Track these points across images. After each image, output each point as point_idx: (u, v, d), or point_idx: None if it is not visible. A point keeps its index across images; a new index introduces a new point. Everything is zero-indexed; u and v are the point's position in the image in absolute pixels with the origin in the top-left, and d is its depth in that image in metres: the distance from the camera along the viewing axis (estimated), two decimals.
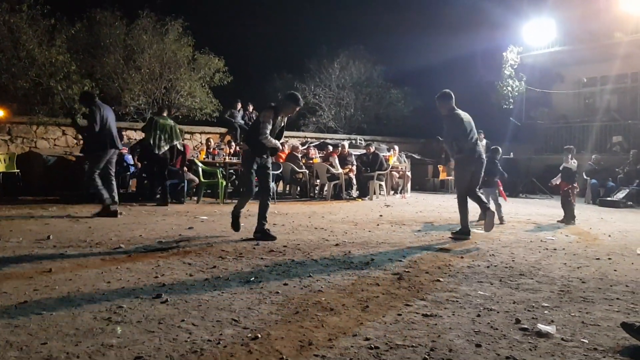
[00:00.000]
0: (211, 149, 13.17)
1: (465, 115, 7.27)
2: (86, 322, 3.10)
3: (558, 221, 9.18)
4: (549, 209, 11.45)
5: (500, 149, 9.87)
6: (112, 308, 3.38)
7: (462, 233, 7.10)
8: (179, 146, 10.39)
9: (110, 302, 3.51)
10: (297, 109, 6.71)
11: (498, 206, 8.99)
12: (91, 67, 15.69)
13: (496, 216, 8.76)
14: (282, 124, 6.68)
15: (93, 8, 16.06)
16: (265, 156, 6.56)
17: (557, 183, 9.70)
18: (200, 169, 10.97)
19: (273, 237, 6.43)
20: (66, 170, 11.25)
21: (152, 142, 10.00)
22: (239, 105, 16.78)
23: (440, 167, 17.51)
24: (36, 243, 5.64)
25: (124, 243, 5.75)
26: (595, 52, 17.21)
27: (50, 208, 8.82)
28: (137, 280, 4.16)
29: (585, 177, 14.17)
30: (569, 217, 9.10)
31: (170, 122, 10.38)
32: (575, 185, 9.38)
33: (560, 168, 9.57)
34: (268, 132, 6.32)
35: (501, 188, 9.46)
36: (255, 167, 6.51)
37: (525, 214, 10.29)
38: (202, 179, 11.01)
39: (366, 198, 13.11)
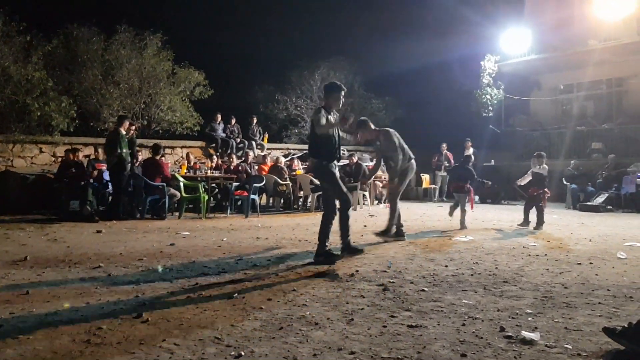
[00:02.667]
0: (192, 163, 13.09)
1: (392, 131, 7.85)
2: (64, 346, 3.02)
3: (518, 225, 9.30)
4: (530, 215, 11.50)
5: (471, 157, 10.14)
6: (91, 330, 3.31)
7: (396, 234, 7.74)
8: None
9: (89, 324, 3.43)
10: (342, 95, 6.11)
11: (463, 212, 9.24)
12: (68, 83, 15.58)
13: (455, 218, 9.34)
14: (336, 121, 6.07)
15: (70, 24, 15.98)
16: (337, 161, 6.08)
17: (522, 184, 9.81)
18: (181, 184, 10.88)
19: (360, 250, 6.09)
20: (44, 188, 11.07)
21: (122, 157, 10.01)
22: (219, 118, 16.73)
23: (424, 176, 17.59)
24: (13, 265, 5.52)
25: (103, 262, 5.66)
26: (571, 59, 17.47)
27: (28, 228, 8.67)
28: (117, 299, 4.09)
29: (565, 182, 14.32)
30: (539, 222, 9.18)
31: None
32: (547, 190, 9.49)
33: (529, 172, 9.69)
34: (325, 120, 5.79)
35: (472, 195, 9.61)
36: (338, 173, 6.04)
37: (507, 221, 10.35)
38: (184, 194, 10.91)
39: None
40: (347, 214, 6.03)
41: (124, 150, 10.11)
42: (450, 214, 9.67)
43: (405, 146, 7.79)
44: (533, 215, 9.28)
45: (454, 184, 9.78)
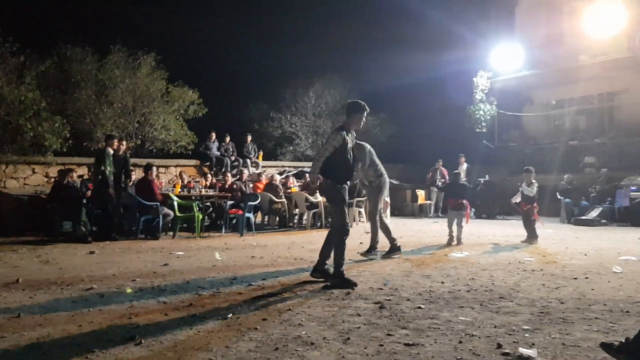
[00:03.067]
0: (186, 182, 13.05)
1: (368, 147, 7.80)
2: None
3: (521, 241, 9.28)
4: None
5: (460, 173, 10.17)
6: (83, 352, 3.26)
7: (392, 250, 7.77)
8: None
9: (81, 347, 3.39)
10: (365, 115, 5.98)
11: (460, 228, 9.24)
12: (62, 103, 15.56)
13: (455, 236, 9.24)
14: (352, 143, 6.02)
15: (63, 44, 16.00)
16: (349, 183, 5.96)
17: (517, 201, 9.83)
18: (175, 203, 10.83)
19: (353, 283, 5.48)
20: (37, 209, 11.00)
21: (105, 175, 9.98)
22: (214, 136, 16.72)
23: (419, 192, 17.60)
24: (4, 287, 5.45)
25: (96, 283, 5.60)
26: (562, 75, 17.60)
27: (20, 249, 8.59)
28: (110, 322, 4.04)
29: (558, 196, 14.34)
30: (531, 237, 9.20)
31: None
32: (535, 205, 9.53)
33: (520, 188, 9.74)
34: (326, 154, 5.70)
35: (468, 211, 9.63)
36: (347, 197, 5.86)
37: (502, 235, 10.34)
38: (178, 213, 10.86)
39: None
40: (343, 241, 5.74)
41: (108, 169, 9.98)
42: (451, 235, 9.44)
43: (378, 163, 7.75)
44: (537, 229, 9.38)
45: (451, 202, 9.76)
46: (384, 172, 7.81)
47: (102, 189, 10.06)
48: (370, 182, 7.76)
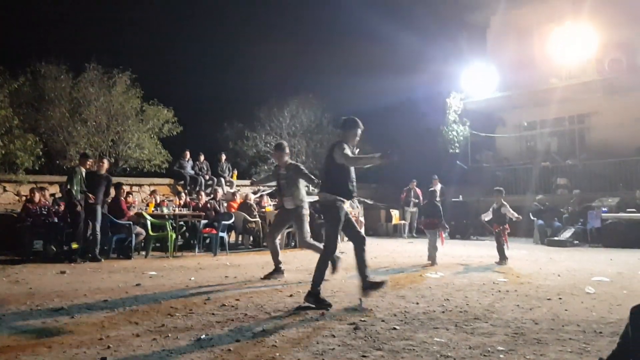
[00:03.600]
0: (159, 201, 12.92)
1: (303, 168, 7.81)
2: None
3: (495, 262, 9.36)
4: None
5: (436, 191, 10.28)
6: None
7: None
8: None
9: None
10: (359, 132, 5.95)
11: (434, 249, 9.26)
12: (35, 121, 15.37)
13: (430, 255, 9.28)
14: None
15: (37, 61, 15.83)
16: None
17: (487, 220, 9.95)
18: (148, 222, 10.69)
19: (328, 303, 5.39)
20: (7, 228, 10.76)
21: (71, 193, 9.80)
22: (188, 155, 16.63)
23: (393, 212, 17.67)
24: None
25: (66, 303, 5.48)
26: (533, 97, 17.96)
27: None
28: (80, 343, 3.94)
29: (532, 217, 14.53)
30: (502, 257, 9.31)
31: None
32: (507, 227, 9.68)
33: (491, 209, 9.88)
34: (350, 152, 5.62)
35: (442, 234, 9.74)
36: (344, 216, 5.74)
37: (476, 256, 10.41)
38: (151, 232, 10.73)
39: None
40: (326, 261, 5.68)
41: (75, 188, 9.76)
42: (430, 258, 9.46)
43: (304, 188, 7.74)
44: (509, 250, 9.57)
45: (425, 221, 9.85)
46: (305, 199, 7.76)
47: (71, 208, 9.91)
48: (291, 198, 7.59)
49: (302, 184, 7.70)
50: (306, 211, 7.64)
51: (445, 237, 10.74)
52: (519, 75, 17.86)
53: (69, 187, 9.78)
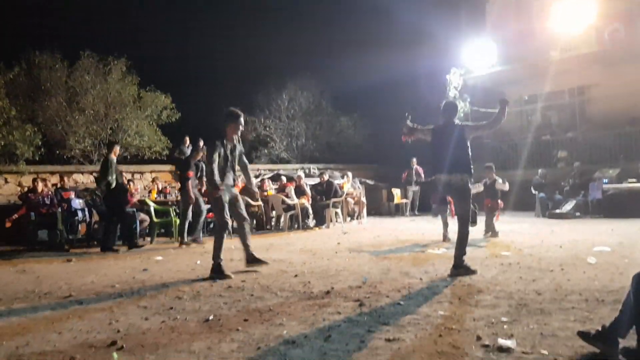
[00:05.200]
0: (162, 188, 12.96)
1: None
2: None
3: (488, 236, 9.47)
4: (501, 224, 11.66)
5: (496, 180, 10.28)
6: None
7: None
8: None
9: (62, 354, 3.35)
10: (240, 121, 6.54)
11: (446, 225, 9.26)
12: (32, 111, 15.35)
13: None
14: (238, 149, 6.60)
15: (32, 51, 15.76)
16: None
17: (476, 192, 9.99)
18: (152, 209, 10.75)
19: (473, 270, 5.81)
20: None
21: (109, 184, 9.51)
22: (188, 141, 16.60)
23: (395, 191, 17.70)
24: None
25: (75, 291, 5.54)
26: (533, 70, 17.86)
27: None
28: (90, 328, 4.00)
29: (533, 191, 14.56)
30: (492, 231, 9.43)
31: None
32: (500, 202, 9.78)
33: (482, 182, 9.95)
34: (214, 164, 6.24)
35: (452, 206, 9.73)
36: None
37: (478, 231, 10.44)
38: (155, 219, 10.78)
39: (323, 226, 13.10)
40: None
41: (112, 177, 9.49)
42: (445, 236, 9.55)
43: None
44: (499, 224, 9.66)
45: (436, 197, 9.77)
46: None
47: (110, 199, 9.68)
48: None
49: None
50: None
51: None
52: (519, 49, 17.75)
53: (106, 178, 9.48)
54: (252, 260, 6.65)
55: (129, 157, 17.26)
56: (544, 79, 17.61)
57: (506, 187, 9.85)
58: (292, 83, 23.53)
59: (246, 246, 6.65)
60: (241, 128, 6.61)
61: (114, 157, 9.78)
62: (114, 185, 9.57)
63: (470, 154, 6.11)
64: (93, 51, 16.72)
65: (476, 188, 9.87)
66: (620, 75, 16.43)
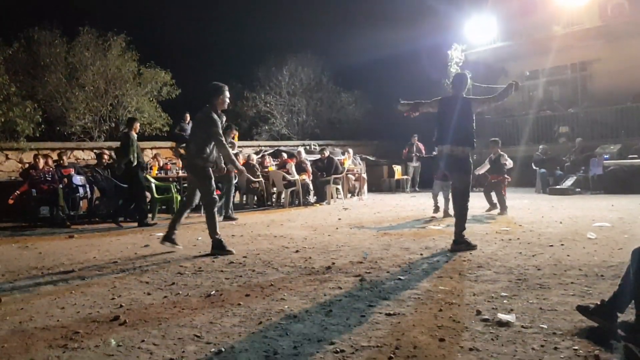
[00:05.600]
0: (162, 164, 12.96)
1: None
2: (41, 352, 2.98)
3: (486, 211, 9.51)
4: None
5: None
6: (67, 334, 3.26)
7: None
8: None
9: (65, 329, 3.39)
10: (226, 93, 6.46)
11: (447, 200, 9.30)
12: (32, 88, 15.29)
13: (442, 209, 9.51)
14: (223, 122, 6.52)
15: (30, 27, 15.63)
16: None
17: (481, 172, 10.00)
18: (153, 185, 10.76)
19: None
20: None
21: (131, 162, 9.43)
22: (188, 118, 16.55)
23: (396, 168, 17.70)
24: None
25: (77, 267, 5.58)
26: (535, 46, 17.73)
27: None
28: (93, 303, 4.04)
29: (534, 167, 14.56)
30: (502, 207, 9.39)
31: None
32: (507, 177, 9.77)
33: (487, 160, 9.95)
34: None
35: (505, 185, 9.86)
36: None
37: (479, 207, 10.47)
38: (156, 195, 10.80)
39: (324, 203, 13.13)
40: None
41: (133, 155, 9.41)
42: (436, 205, 9.69)
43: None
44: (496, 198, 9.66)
45: (440, 173, 9.71)
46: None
47: (132, 177, 9.61)
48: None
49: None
50: None
51: None
52: (521, 24, 17.62)
53: (127, 155, 9.38)
54: (169, 239, 6.43)
55: None
56: (546, 55, 17.49)
57: (510, 163, 9.86)
58: (293, 59, 23.37)
59: (175, 226, 6.51)
60: (227, 100, 6.52)
61: (134, 134, 9.70)
62: (135, 163, 9.51)
63: (474, 127, 6.12)
64: (92, 27, 16.60)
65: (483, 167, 9.90)
66: (623, 50, 16.31)
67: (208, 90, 6.50)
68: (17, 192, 10.13)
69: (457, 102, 6.14)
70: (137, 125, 10.13)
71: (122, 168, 9.58)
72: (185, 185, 12.15)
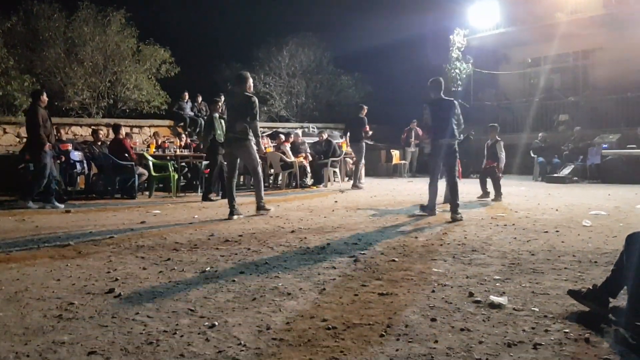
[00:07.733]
0: (160, 142, 12.94)
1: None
2: (36, 321, 3.00)
3: (478, 198, 9.53)
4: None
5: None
6: (62, 305, 3.28)
7: None
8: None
9: (60, 300, 3.40)
10: (251, 81, 7.62)
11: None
12: (30, 62, 15.19)
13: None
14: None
15: (29, 0, 15.49)
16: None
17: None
18: (150, 163, 10.75)
19: None
20: (9, 169, 10.82)
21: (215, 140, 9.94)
22: (187, 96, 16.52)
23: (394, 152, 17.69)
24: None
25: (73, 240, 5.59)
26: (538, 32, 17.66)
27: None
28: (89, 276, 4.05)
29: (532, 154, 14.57)
30: (498, 193, 9.41)
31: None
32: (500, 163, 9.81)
33: (486, 144, 9.95)
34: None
35: (459, 165, 9.79)
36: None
37: (476, 193, 10.49)
38: (153, 173, 10.80)
39: (321, 185, 13.14)
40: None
41: (218, 132, 9.87)
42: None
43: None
44: (491, 186, 9.60)
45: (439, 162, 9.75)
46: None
47: (214, 153, 10.16)
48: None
49: None
50: None
51: None
52: (525, 10, 17.54)
53: (212, 132, 9.97)
54: (236, 213, 7.45)
55: (127, 110, 17.17)
56: (548, 42, 17.44)
57: (503, 157, 9.83)
58: (294, 40, 23.21)
59: (233, 202, 7.51)
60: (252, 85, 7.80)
61: (216, 114, 10.24)
62: (221, 140, 9.64)
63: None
64: (92, 2, 16.46)
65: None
66: (626, 39, 16.25)
67: (239, 79, 7.53)
68: (23, 165, 10.14)
69: (446, 103, 7.62)
70: (220, 104, 10.66)
71: (207, 144, 10.38)
72: (182, 164, 12.19)
